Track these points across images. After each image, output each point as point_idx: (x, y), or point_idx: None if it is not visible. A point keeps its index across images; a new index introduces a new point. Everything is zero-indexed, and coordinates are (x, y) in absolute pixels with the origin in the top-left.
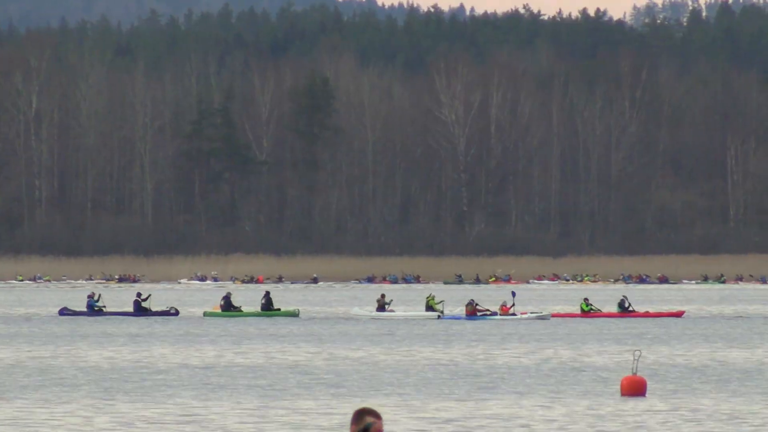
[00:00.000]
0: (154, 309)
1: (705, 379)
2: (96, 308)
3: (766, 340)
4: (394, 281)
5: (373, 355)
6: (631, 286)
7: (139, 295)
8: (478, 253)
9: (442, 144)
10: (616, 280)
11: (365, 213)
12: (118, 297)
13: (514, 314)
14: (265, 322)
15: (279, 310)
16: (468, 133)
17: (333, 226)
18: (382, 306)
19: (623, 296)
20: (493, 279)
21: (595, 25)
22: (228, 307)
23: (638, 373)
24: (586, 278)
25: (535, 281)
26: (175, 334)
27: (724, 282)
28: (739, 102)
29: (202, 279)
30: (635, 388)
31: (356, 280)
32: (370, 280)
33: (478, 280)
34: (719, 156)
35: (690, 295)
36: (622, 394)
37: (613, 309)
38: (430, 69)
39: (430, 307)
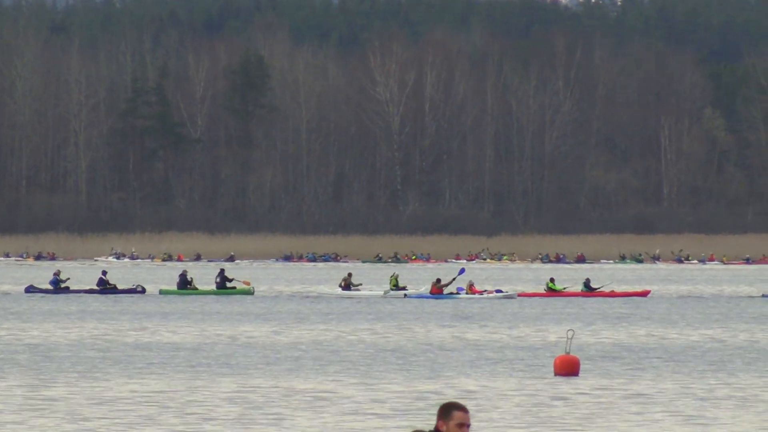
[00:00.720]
0: (120, 287)
1: (646, 359)
2: (61, 285)
3: (718, 320)
4: (312, 260)
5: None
6: (548, 265)
7: (57, 273)
8: (411, 231)
9: (376, 122)
10: (534, 260)
11: (299, 191)
12: (81, 275)
13: (481, 293)
14: (222, 301)
15: (234, 288)
16: (402, 111)
17: (267, 204)
18: (347, 285)
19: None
20: (414, 257)
21: (529, 5)
22: (184, 284)
23: (572, 353)
24: (504, 258)
25: (454, 260)
26: (182, 312)
27: (641, 261)
28: (673, 82)
29: (120, 257)
30: (568, 368)
31: (274, 258)
32: (288, 258)
33: (397, 259)
34: (653, 136)
35: (645, 275)
36: (555, 374)
37: (579, 288)
38: (365, 48)
39: (395, 286)
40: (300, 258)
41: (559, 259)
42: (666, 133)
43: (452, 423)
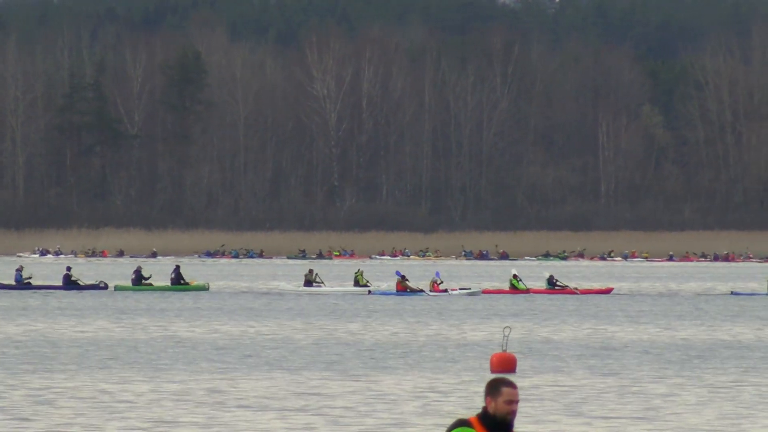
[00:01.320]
0: (83, 283)
1: (588, 356)
2: (24, 281)
3: (670, 317)
4: (235, 256)
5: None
6: (470, 262)
7: (20, 269)
8: (349, 227)
9: (313, 118)
10: (458, 257)
11: (236, 187)
12: (42, 270)
13: (445, 291)
14: (177, 296)
15: (188, 284)
16: (339, 107)
17: (204, 200)
18: (309, 281)
19: (551, 274)
20: (337, 254)
21: (467, 2)
22: (139, 280)
23: (509, 350)
24: (428, 254)
25: (378, 256)
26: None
27: (565, 258)
28: (611, 78)
29: (44, 253)
30: (504, 365)
31: (196, 254)
32: (210, 254)
33: (321, 255)
34: (590, 132)
35: (601, 271)
36: (492, 371)
37: (543, 285)
38: (302, 43)
39: (357, 282)
40: (222, 254)
41: (482, 256)
42: (604, 130)
43: (501, 400)
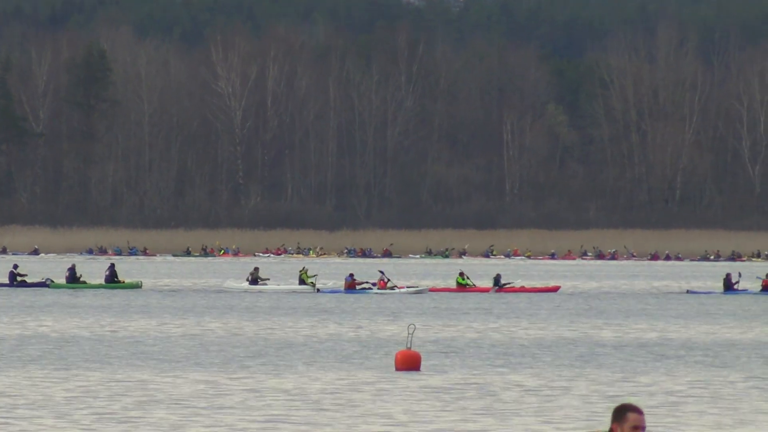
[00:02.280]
0: (29, 281)
1: (496, 354)
2: None
3: (606, 315)
4: (119, 253)
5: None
6: (353, 259)
7: None
8: (254, 225)
9: (218, 116)
10: (340, 254)
11: (141, 185)
12: None
13: (393, 288)
14: (112, 294)
15: (123, 282)
16: (245, 105)
17: (109, 198)
18: (254, 279)
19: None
20: (222, 252)
21: (372, 0)
22: (73, 278)
23: (413, 348)
24: (311, 252)
25: (262, 254)
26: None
27: (448, 256)
28: (516, 77)
29: None
30: (408, 363)
31: (78, 252)
32: (91, 252)
33: (205, 253)
34: (495, 131)
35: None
36: (396, 369)
37: (489, 283)
38: (207, 42)
39: (302, 281)
40: (104, 251)
41: (364, 253)
42: (508, 129)
43: (627, 426)
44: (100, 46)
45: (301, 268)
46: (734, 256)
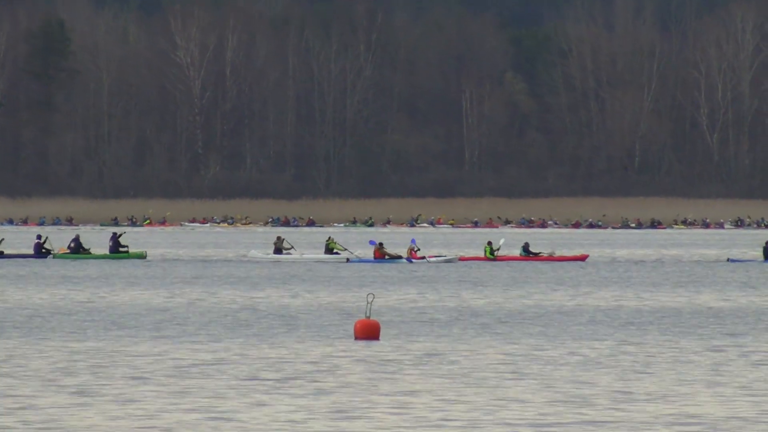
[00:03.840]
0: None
1: (456, 322)
2: None
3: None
4: (42, 224)
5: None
6: (279, 229)
7: None
8: (213, 195)
9: (177, 86)
10: (265, 223)
11: (100, 155)
12: None
13: (423, 258)
14: (116, 264)
15: (127, 252)
16: (203, 75)
17: (68, 168)
18: (279, 249)
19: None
20: (148, 222)
21: None
22: (78, 249)
23: (373, 317)
24: (237, 222)
25: (188, 223)
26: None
27: (372, 225)
28: (474, 46)
29: None
30: (367, 332)
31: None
32: (11, 222)
33: (133, 223)
34: (454, 100)
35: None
36: (355, 338)
37: (518, 252)
38: (166, 11)
39: (330, 250)
40: (25, 222)
41: (287, 222)
42: (467, 98)
43: None
44: (58, 15)
45: (328, 238)
46: (655, 224)
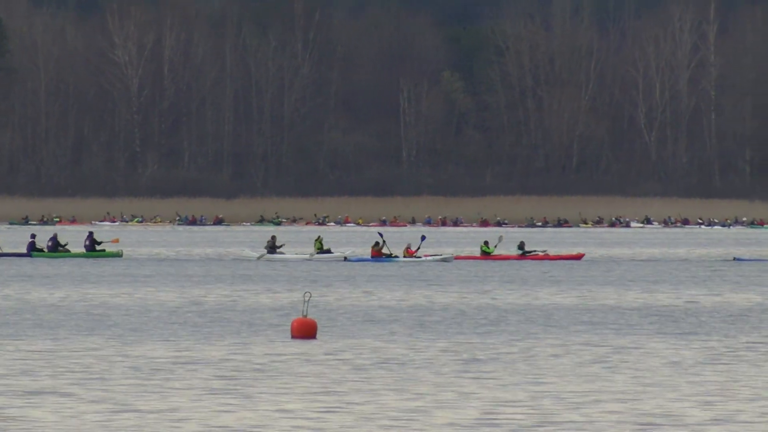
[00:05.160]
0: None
1: (396, 321)
2: None
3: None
4: None
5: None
6: (185, 227)
7: None
8: (151, 194)
9: (115, 85)
10: (172, 221)
11: (38, 153)
12: None
13: (418, 257)
14: (91, 263)
15: (104, 250)
16: (141, 74)
17: (6, 166)
18: (272, 247)
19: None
20: (57, 219)
21: None
22: (55, 247)
23: (309, 316)
24: (136, 219)
25: (98, 222)
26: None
27: (279, 224)
28: (412, 44)
29: None
30: (304, 331)
31: None
32: None
33: (43, 221)
34: (392, 98)
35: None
36: (292, 336)
37: (514, 252)
38: (104, 10)
39: (320, 249)
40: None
41: (194, 221)
42: (405, 96)
43: None
44: None
45: (317, 237)
46: (561, 222)
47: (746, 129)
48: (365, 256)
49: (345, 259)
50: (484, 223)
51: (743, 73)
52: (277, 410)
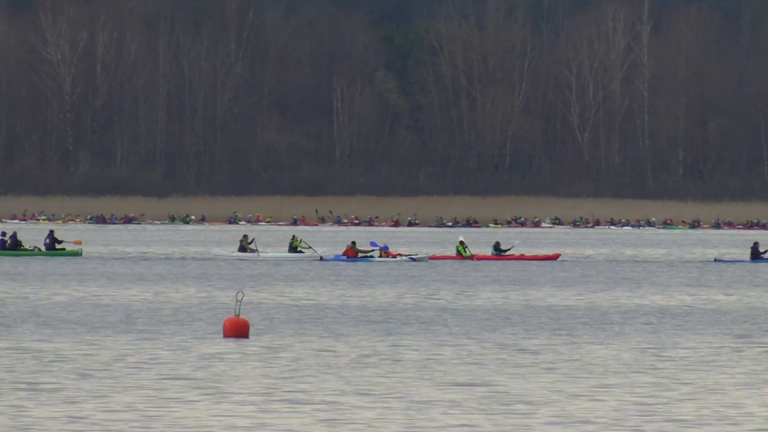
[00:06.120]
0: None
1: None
2: None
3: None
4: None
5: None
6: (96, 225)
7: None
8: (83, 192)
9: (47, 83)
10: (84, 220)
11: None
12: None
13: (394, 256)
14: (52, 261)
15: (63, 249)
16: (74, 72)
17: None
18: (243, 247)
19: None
20: None
21: None
22: (15, 245)
23: (242, 315)
24: (42, 217)
25: (9, 220)
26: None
27: (188, 222)
28: (345, 44)
29: None
30: (237, 330)
31: None
32: None
33: None
34: (325, 98)
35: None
36: (225, 335)
37: (489, 252)
38: (36, 7)
39: (294, 248)
40: None
41: (104, 220)
42: (338, 96)
43: None
44: None
45: (292, 236)
46: (470, 223)
47: (679, 129)
48: (340, 255)
49: (321, 259)
50: (396, 224)
51: (676, 74)
52: (208, 409)
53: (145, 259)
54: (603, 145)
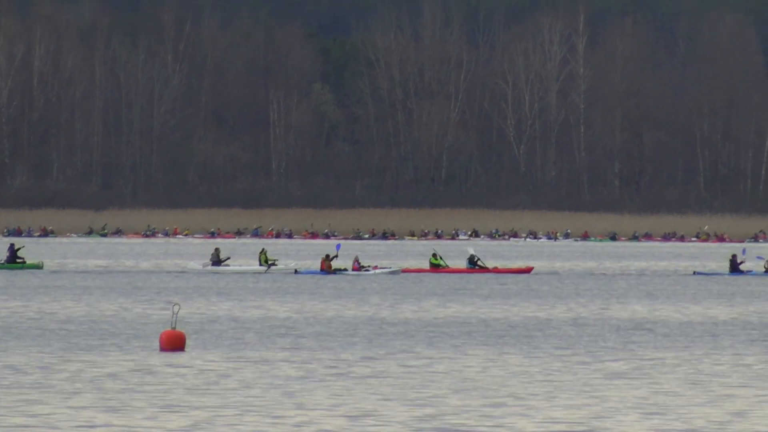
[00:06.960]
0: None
1: (269, 333)
2: None
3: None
4: None
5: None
6: (33, 239)
7: None
8: (20, 205)
9: None
10: (22, 234)
11: None
12: None
13: (366, 269)
14: (17, 275)
15: (24, 262)
16: (10, 85)
17: None
18: (217, 260)
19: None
20: None
21: None
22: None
23: (178, 328)
24: None
25: None
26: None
27: (105, 235)
28: (282, 56)
29: None
30: (173, 343)
31: None
32: None
33: None
34: (262, 110)
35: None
36: (161, 349)
37: (463, 265)
38: None
39: (264, 262)
40: None
41: (20, 233)
42: (275, 108)
43: None
44: None
45: (261, 250)
46: (387, 235)
47: (615, 142)
48: (315, 269)
49: (295, 272)
50: (313, 236)
51: (612, 86)
52: (145, 422)
53: (108, 272)
54: (539, 157)
